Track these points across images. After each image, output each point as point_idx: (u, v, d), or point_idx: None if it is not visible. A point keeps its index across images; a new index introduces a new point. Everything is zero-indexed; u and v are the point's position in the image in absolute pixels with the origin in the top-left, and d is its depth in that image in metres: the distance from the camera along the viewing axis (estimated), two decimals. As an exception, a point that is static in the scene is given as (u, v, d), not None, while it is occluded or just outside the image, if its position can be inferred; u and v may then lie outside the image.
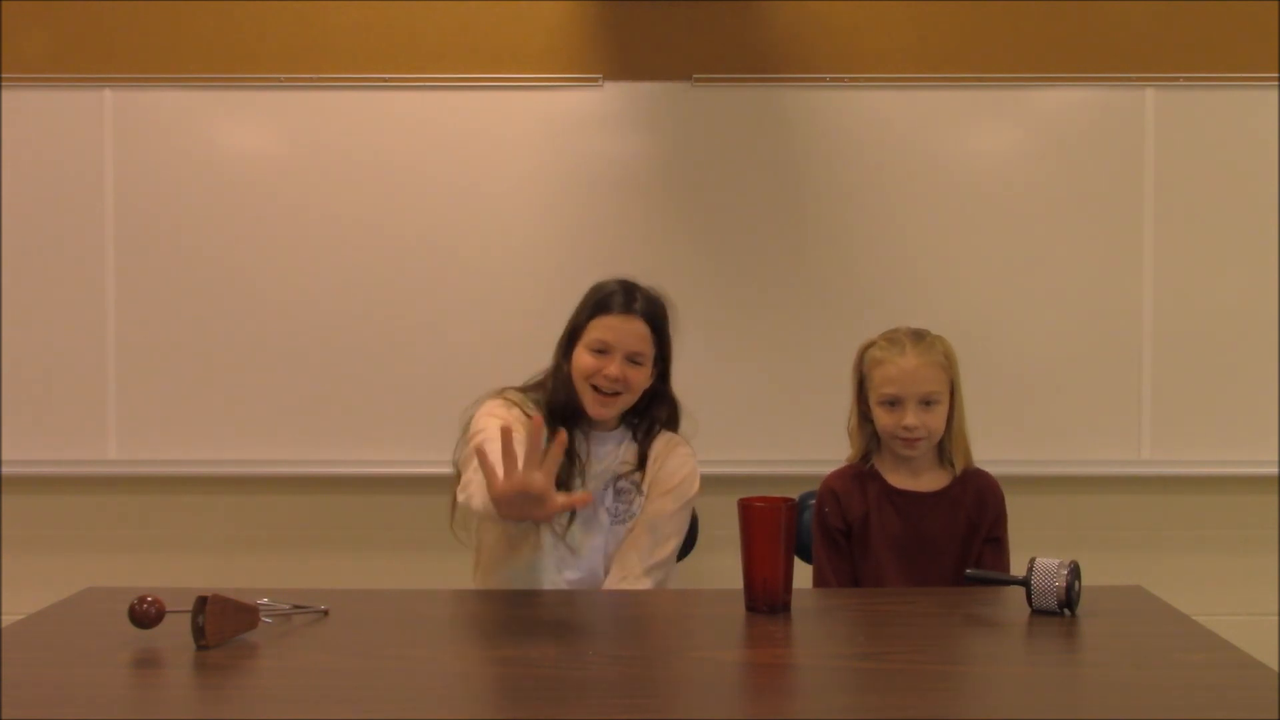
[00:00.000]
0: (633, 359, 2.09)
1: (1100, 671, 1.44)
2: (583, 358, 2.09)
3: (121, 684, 1.41)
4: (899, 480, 2.10)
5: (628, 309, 2.10)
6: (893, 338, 2.10)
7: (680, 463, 2.17)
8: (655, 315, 2.14)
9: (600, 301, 2.12)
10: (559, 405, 2.12)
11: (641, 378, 2.12)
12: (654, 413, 2.20)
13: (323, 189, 3.18)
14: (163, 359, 3.18)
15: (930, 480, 2.10)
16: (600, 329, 2.09)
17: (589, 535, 2.13)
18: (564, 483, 2.09)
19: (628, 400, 2.12)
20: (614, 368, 2.07)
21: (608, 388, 2.08)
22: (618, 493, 2.15)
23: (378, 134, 3.18)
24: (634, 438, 2.19)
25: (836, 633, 1.67)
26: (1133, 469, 3.19)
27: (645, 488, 2.15)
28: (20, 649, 1.51)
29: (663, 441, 2.20)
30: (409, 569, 3.12)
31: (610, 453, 2.17)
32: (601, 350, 2.08)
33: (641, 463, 2.16)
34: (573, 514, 2.09)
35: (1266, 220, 3.16)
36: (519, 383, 2.19)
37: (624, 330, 2.09)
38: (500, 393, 2.15)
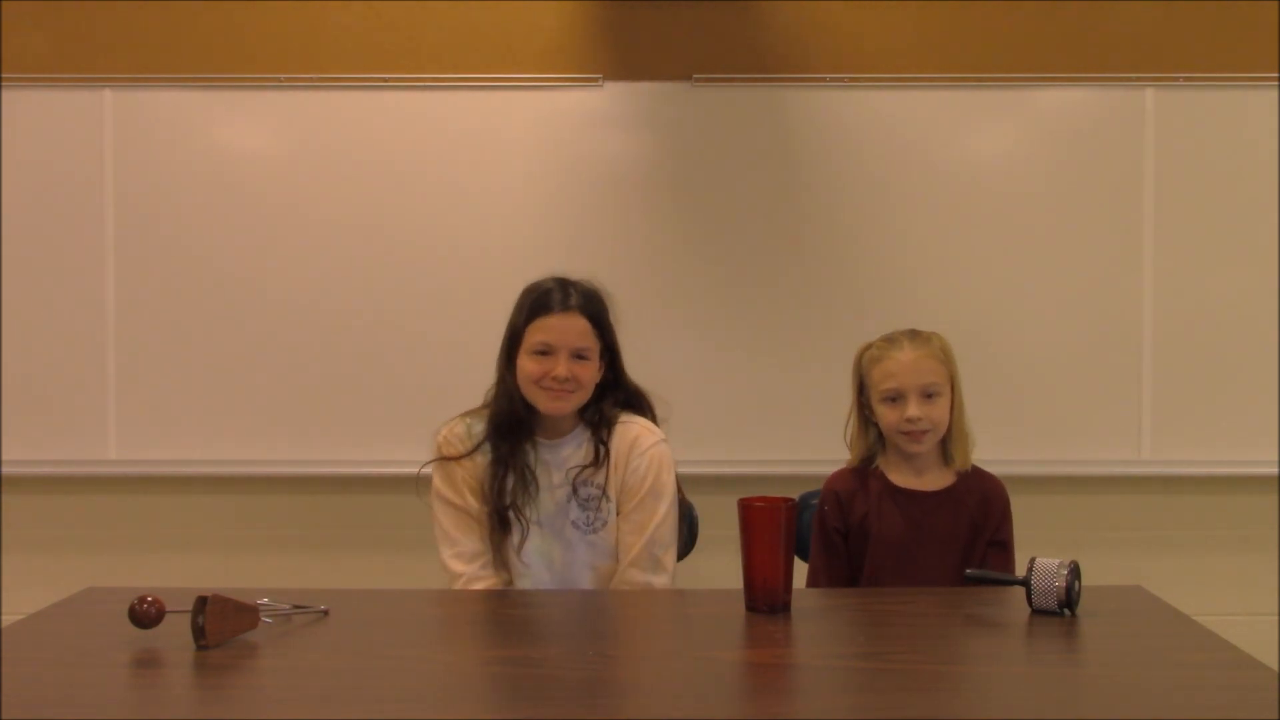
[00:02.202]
0: (578, 355, 2.03)
1: (1100, 671, 1.44)
2: (526, 364, 2.03)
3: (121, 684, 1.41)
4: (902, 479, 2.10)
5: (565, 306, 2.04)
6: (889, 337, 2.12)
7: (648, 461, 2.07)
8: (593, 308, 2.07)
9: (535, 303, 2.06)
10: (504, 419, 2.07)
11: (590, 373, 2.05)
12: (604, 406, 2.12)
13: (322, 189, 3.18)
14: (163, 359, 3.18)
15: (933, 479, 2.10)
16: (540, 331, 2.03)
17: (562, 551, 2.07)
18: (517, 502, 2.05)
19: (581, 396, 2.06)
20: (561, 368, 2.01)
21: (558, 389, 2.02)
22: (583, 502, 2.08)
23: (378, 134, 3.18)
24: (592, 435, 2.10)
25: (836, 633, 1.67)
26: (1133, 469, 3.19)
27: (613, 493, 2.08)
28: (20, 649, 1.51)
29: (621, 434, 2.10)
30: (409, 569, 3.10)
31: (570, 457, 2.09)
32: (544, 352, 2.02)
33: (598, 457, 2.08)
34: (525, 533, 2.05)
35: (1266, 220, 3.16)
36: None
37: (564, 329, 2.03)
38: (439, 441, 2.11)
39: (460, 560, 2.07)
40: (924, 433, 2.04)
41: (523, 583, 2.07)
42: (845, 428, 2.17)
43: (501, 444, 2.07)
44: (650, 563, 2.06)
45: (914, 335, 2.10)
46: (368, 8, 3.18)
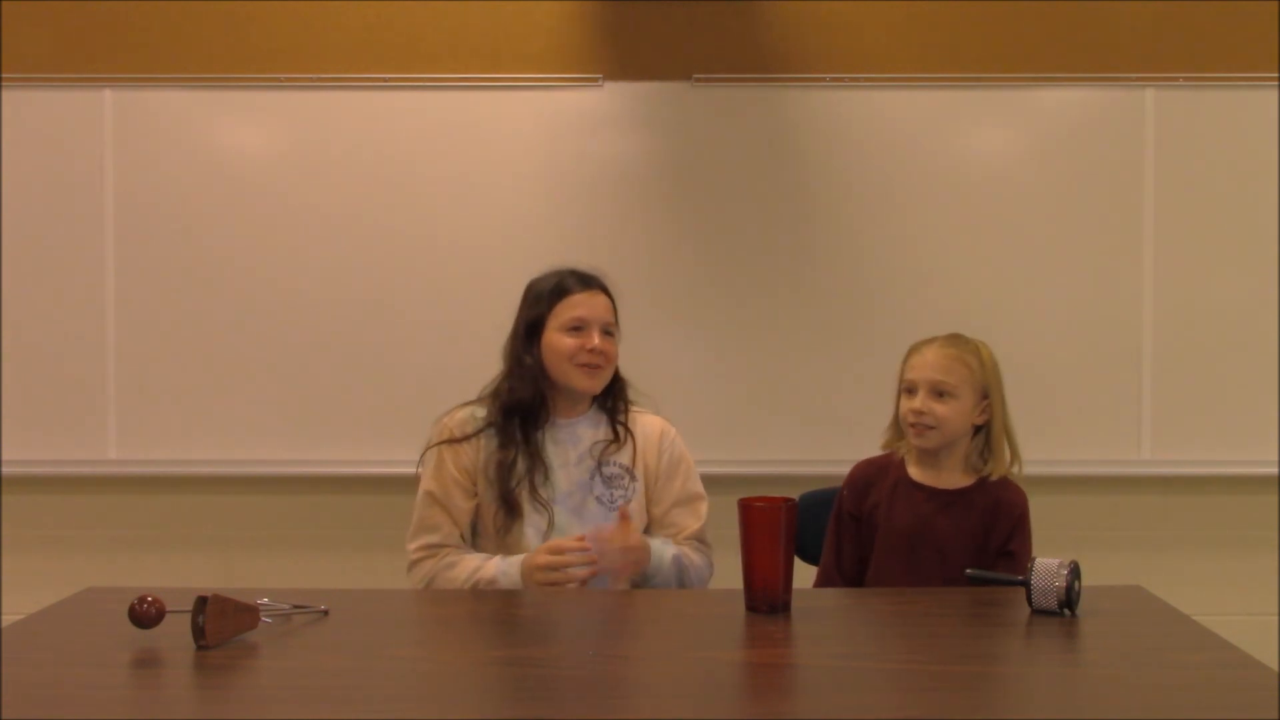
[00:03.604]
0: (606, 330, 2.12)
1: (1100, 671, 1.44)
2: (561, 340, 2.10)
3: (121, 684, 1.41)
4: (919, 474, 2.11)
5: (588, 285, 2.14)
6: (932, 336, 2.14)
7: (675, 445, 2.19)
8: (610, 289, 2.18)
9: (556, 287, 2.14)
10: (522, 402, 2.11)
11: (615, 349, 2.15)
12: (615, 387, 2.19)
13: (322, 189, 3.18)
14: (163, 359, 3.18)
15: (950, 479, 2.10)
16: (571, 308, 2.11)
17: (581, 528, 2.09)
18: (533, 483, 2.08)
19: (609, 373, 2.14)
20: (596, 339, 2.09)
21: (594, 361, 2.09)
22: (606, 480, 2.13)
23: (378, 134, 3.18)
24: (608, 416, 2.18)
25: (836, 633, 1.67)
26: (1133, 469, 3.19)
27: (639, 473, 2.15)
28: (20, 649, 1.51)
29: (642, 422, 2.20)
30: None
31: (587, 435, 2.16)
32: (577, 328, 2.10)
33: (617, 436, 2.15)
34: (552, 519, 2.08)
35: (1266, 220, 3.16)
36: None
37: (594, 304, 2.12)
38: (442, 425, 2.15)
39: (422, 551, 2.11)
40: (928, 428, 2.05)
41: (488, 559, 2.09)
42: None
43: (511, 428, 2.11)
44: (699, 546, 2.18)
45: (951, 338, 2.12)
46: (368, 8, 3.18)
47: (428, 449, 2.15)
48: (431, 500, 2.11)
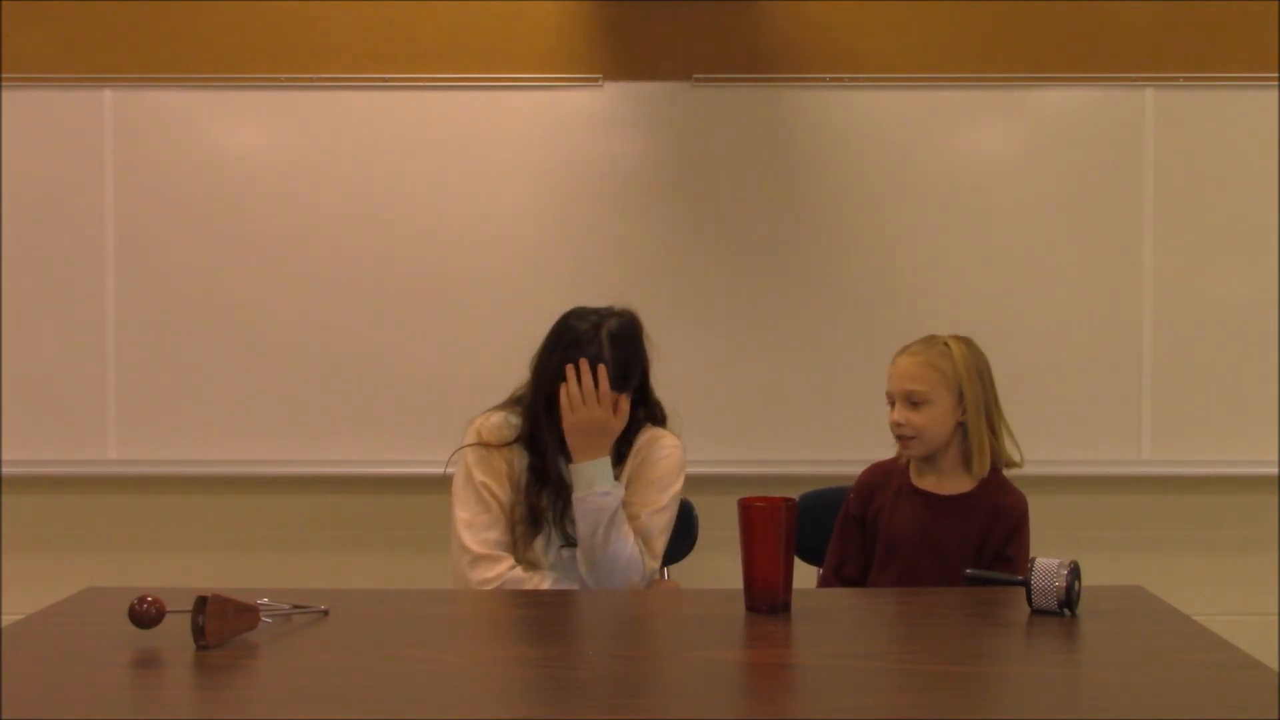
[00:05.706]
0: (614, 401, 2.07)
1: (1100, 671, 1.44)
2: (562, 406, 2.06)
3: (121, 684, 1.41)
4: (921, 480, 2.12)
5: (598, 359, 2.05)
6: (910, 342, 2.14)
7: (664, 454, 2.14)
8: (624, 354, 2.08)
9: (567, 354, 2.06)
10: (537, 439, 2.10)
11: (625, 406, 2.09)
12: (634, 418, 2.15)
13: (322, 189, 3.18)
14: (163, 359, 3.18)
15: (953, 484, 2.10)
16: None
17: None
18: (556, 510, 2.08)
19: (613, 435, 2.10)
20: None
21: None
22: None
23: (378, 134, 3.18)
24: (617, 444, 2.13)
25: (836, 633, 1.67)
26: (1133, 469, 3.19)
27: (625, 478, 2.11)
28: (20, 649, 1.51)
29: (646, 435, 2.17)
30: (409, 569, 3.12)
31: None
32: None
33: (621, 458, 2.13)
34: (567, 539, 2.08)
35: (1266, 220, 3.16)
36: (504, 394, 2.18)
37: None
38: (475, 428, 2.13)
39: (484, 545, 2.05)
40: (910, 438, 2.06)
41: (557, 581, 2.09)
42: None
43: (535, 455, 2.10)
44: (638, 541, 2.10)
45: (924, 342, 2.12)
46: (368, 8, 3.18)
47: (465, 446, 2.11)
48: (487, 493, 2.07)
